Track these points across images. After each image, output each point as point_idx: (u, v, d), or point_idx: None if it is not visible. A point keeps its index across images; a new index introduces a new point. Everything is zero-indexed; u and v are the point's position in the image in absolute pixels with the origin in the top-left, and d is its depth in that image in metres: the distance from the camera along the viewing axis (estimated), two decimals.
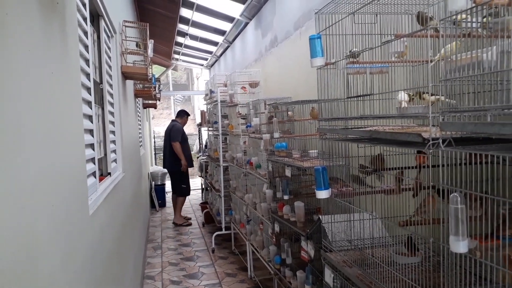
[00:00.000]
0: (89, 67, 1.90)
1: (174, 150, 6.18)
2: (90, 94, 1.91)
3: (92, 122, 1.91)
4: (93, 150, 1.92)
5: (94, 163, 1.92)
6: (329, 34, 1.73)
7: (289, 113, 2.98)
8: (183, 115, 6.62)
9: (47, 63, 1.10)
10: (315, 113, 2.60)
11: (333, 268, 1.79)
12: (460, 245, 0.98)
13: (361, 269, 1.58)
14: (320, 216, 2.15)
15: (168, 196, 9.03)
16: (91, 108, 1.91)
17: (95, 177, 1.92)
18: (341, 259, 1.76)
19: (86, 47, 1.89)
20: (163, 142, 6.81)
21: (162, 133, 15.41)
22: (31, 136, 0.94)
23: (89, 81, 1.90)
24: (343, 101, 1.64)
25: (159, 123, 16.37)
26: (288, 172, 2.69)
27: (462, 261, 1.05)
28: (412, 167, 1.56)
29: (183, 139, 6.38)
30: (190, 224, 6.56)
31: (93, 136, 1.92)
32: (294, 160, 2.63)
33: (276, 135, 2.90)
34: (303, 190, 2.90)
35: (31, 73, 0.97)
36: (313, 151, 2.63)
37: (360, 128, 1.70)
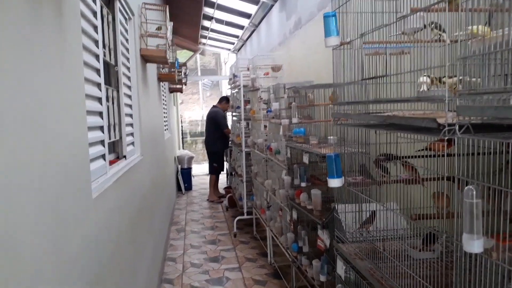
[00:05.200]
0: (98, 48, 1.87)
1: (225, 134, 6.73)
2: (100, 76, 1.88)
3: (101, 104, 1.89)
4: (103, 132, 1.90)
5: (104, 146, 1.91)
6: (345, 12, 1.61)
7: (309, 95, 2.86)
8: (223, 101, 6.89)
9: (34, 39, 1.06)
10: (334, 97, 2.48)
11: (345, 260, 1.71)
12: (474, 245, 0.87)
13: (372, 262, 1.49)
14: (336, 205, 2.06)
15: (195, 179, 9.19)
16: (100, 90, 1.88)
17: (104, 160, 1.90)
18: (353, 251, 1.67)
19: (95, 28, 1.86)
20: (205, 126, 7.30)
21: (192, 118, 15.66)
22: (11, 118, 0.90)
23: (98, 62, 1.87)
24: (358, 84, 1.53)
25: (188, 107, 16.50)
26: (305, 159, 2.60)
27: (478, 262, 0.94)
28: (431, 156, 1.44)
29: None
30: (221, 202, 6.96)
31: (102, 119, 1.90)
32: (312, 146, 2.53)
33: (295, 120, 2.80)
34: (321, 177, 2.80)
35: (13, 50, 0.93)
36: (332, 137, 2.52)
37: (377, 113, 1.59)
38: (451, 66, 1.03)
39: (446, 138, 0.95)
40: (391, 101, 1.33)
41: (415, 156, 1.48)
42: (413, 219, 1.22)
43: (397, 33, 1.42)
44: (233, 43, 9.20)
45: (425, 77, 1.41)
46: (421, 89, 1.34)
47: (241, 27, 7.48)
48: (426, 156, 1.43)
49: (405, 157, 1.46)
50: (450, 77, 1.35)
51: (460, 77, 1.19)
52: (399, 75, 1.50)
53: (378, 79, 1.43)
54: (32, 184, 0.97)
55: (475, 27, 1.30)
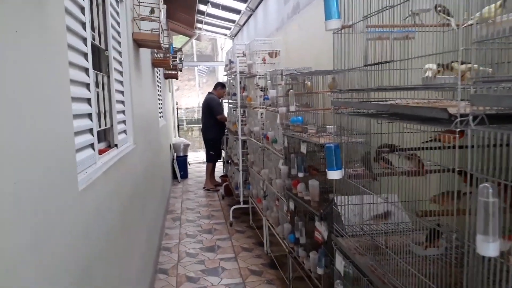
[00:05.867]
0: (85, 30, 1.76)
1: (221, 121, 6.60)
2: (87, 60, 1.78)
3: (89, 90, 1.79)
4: (91, 120, 1.81)
5: (92, 134, 1.82)
6: None
7: (307, 83, 2.77)
8: (218, 87, 6.79)
9: (9, 19, 0.96)
10: (334, 84, 2.39)
11: (344, 255, 1.64)
12: (489, 248, 0.80)
13: (373, 258, 1.42)
14: (334, 197, 1.99)
15: (191, 168, 9.11)
16: (88, 75, 1.78)
17: (93, 149, 1.81)
18: (352, 246, 1.60)
19: (82, 9, 1.75)
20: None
21: (189, 105, 15.51)
22: None
23: (86, 45, 1.76)
24: (360, 71, 1.44)
25: (184, 94, 16.32)
26: (303, 148, 2.52)
27: (492, 265, 0.87)
28: (439, 148, 1.36)
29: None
30: (217, 190, 6.90)
31: (90, 106, 1.80)
32: (310, 135, 2.45)
33: (292, 108, 2.71)
34: (319, 167, 2.72)
35: None
36: (330, 126, 2.44)
37: (378, 101, 1.50)
38: (465, 51, 0.95)
39: (458, 130, 0.87)
40: (397, 89, 1.25)
41: (420, 148, 1.40)
42: (419, 216, 1.15)
43: (404, 15, 1.33)
44: (229, 28, 9.03)
45: (431, 64, 1.33)
46: (426, 76, 1.25)
47: (237, 11, 7.32)
48: (433, 148, 1.36)
49: (409, 148, 1.38)
50: (461, 63, 1.27)
51: (469, 65, 1.11)
52: (404, 62, 1.42)
53: (381, 65, 1.35)
54: (7, 178, 0.89)
55: (488, 7, 1.21)
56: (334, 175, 1.57)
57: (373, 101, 1.54)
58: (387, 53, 1.31)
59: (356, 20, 1.49)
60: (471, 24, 1.24)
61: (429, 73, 1.15)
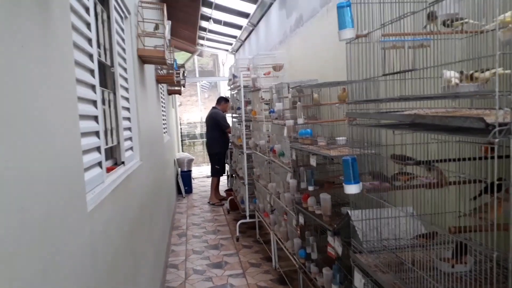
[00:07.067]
0: (92, 47, 1.73)
1: (226, 135, 6.68)
2: (94, 77, 1.74)
3: (96, 108, 1.75)
4: (99, 138, 1.76)
5: (100, 153, 1.77)
6: (360, 2, 1.47)
7: (314, 95, 2.73)
8: (221, 101, 6.83)
9: (15, 35, 0.92)
10: (344, 95, 2.34)
11: (364, 272, 1.57)
12: None
13: (397, 276, 1.35)
14: (349, 211, 1.92)
15: (195, 182, 9.04)
16: (95, 92, 1.74)
17: (101, 167, 1.76)
18: (373, 263, 1.53)
19: (88, 25, 1.72)
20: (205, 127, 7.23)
21: (191, 120, 15.54)
22: None
23: (92, 62, 1.73)
24: (377, 80, 1.39)
25: (186, 110, 16.34)
26: (313, 161, 2.46)
27: None
28: (458, 159, 1.30)
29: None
30: (222, 205, 6.86)
31: (98, 123, 1.76)
32: (320, 148, 2.39)
33: (300, 121, 2.67)
34: (329, 180, 2.66)
35: None
36: (340, 138, 2.39)
37: (397, 111, 1.45)
38: (498, 56, 0.90)
39: (497, 140, 0.82)
40: (423, 98, 1.20)
41: (442, 160, 1.34)
42: (452, 232, 1.09)
43: (421, 22, 1.29)
44: (231, 44, 9.07)
45: (452, 72, 1.28)
46: (453, 83, 1.21)
47: (239, 27, 7.35)
48: (453, 159, 1.30)
49: (436, 161, 1.33)
50: (482, 71, 1.23)
51: (500, 69, 1.06)
52: (417, 71, 1.37)
53: (401, 74, 1.30)
54: (13, 202, 0.83)
55: (507, 14, 1.18)
56: (352, 189, 1.51)
57: (389, 112, 1.49)
58: (409, 62, 1.26)
59: (370, 29, 1.45)
60: (493, 30, 1.20)
61: (455, 80, 1.10)
